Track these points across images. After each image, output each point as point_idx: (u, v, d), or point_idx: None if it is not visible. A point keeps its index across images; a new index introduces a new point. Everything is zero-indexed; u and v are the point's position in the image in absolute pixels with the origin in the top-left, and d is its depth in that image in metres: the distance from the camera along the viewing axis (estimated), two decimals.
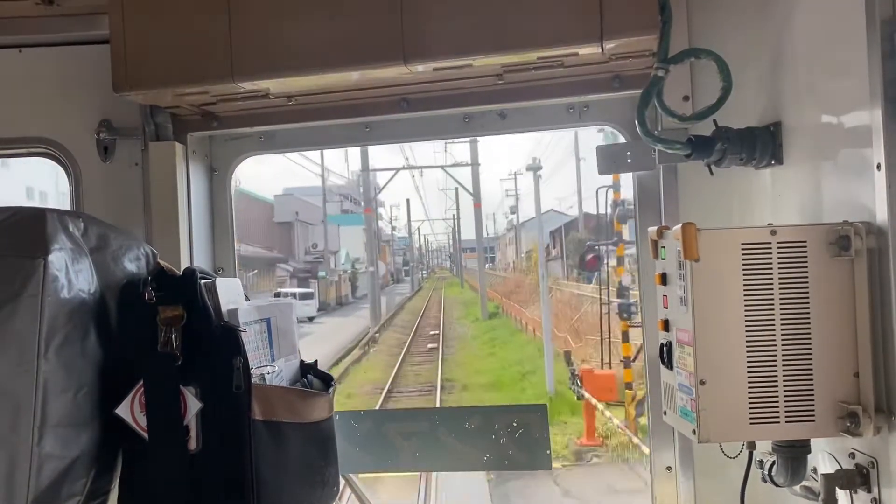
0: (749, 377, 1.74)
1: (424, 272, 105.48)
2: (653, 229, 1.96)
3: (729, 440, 1.87)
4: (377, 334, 30.31)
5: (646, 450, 1.91)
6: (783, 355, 1.73)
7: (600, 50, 2.12)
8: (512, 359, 23.25)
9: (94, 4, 2.44)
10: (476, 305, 39.97)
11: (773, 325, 1.73)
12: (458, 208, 66.34)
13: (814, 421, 1.73)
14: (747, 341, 1.74)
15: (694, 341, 1.75)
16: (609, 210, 16.14)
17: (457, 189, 64.98)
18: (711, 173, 2.13)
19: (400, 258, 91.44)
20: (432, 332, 31.55)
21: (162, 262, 2.14)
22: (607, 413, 13.15)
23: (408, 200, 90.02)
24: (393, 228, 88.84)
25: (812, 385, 1.73)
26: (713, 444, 1.83)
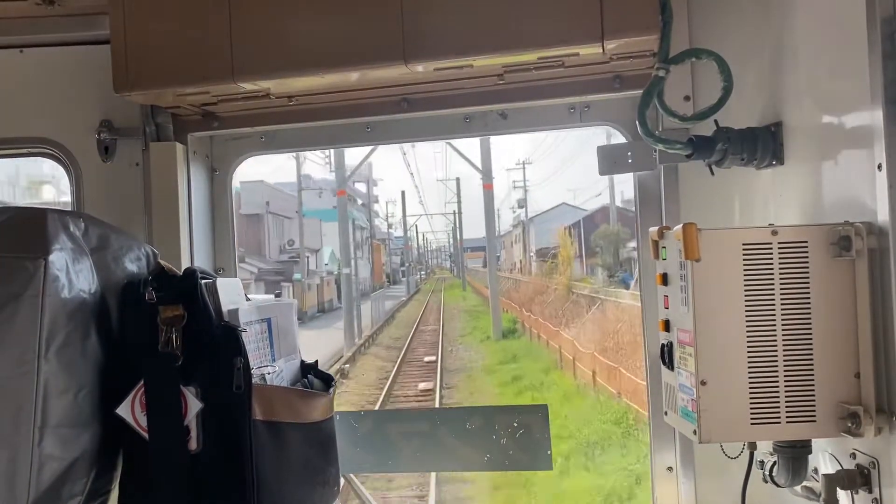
0: (750, 377, 1.73)
1: (423, 273, 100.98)
2: (654, 229, 1.96)
3: (730, 440, 1.87)
4: (347, 365, 21.26)
5: None
6: (784, 355, 1.73)
7: (601, 50, 2.11)
8: (562, 430, 12.07)
9: (94, 5, 2.44)
10: (483, 315, 30.46)
11: (774, 325, 1.73)
12: (459, 200, 60.17)
13: (815, 421, 1.73)
14: (748, 342, 1.73)
15: (695, 341, 1.75)
16: None
17: (458, 179, 59.76)
18: (712, 173, 2.13)
19: (397, 258, 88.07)
20: (427, 359, 22.79)
21: (162, 263, 2.14)
22: None
23: (403, 193, 79.04)
24: (389, 226, 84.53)
25: (813, 385, 1.73)
26: (714, 444, 1.83)
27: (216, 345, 1.95)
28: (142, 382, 1.93)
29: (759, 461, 1.89)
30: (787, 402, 1.73)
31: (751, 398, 1.73)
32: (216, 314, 1.99)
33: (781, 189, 2.08)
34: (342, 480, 2.45)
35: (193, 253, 2.63)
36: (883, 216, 1.59)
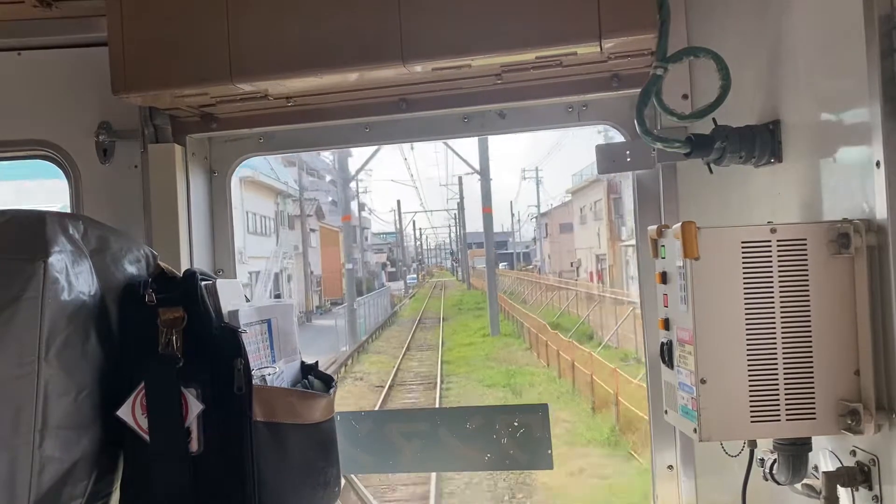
0: (750, 375, 1.73)
1: (413, 277, 75.67)
2: (652, 228, 1.96)
3: (730, 439, 1.87)
4: None
5: None
6: (784, 353, 1.73)
7: (599, 49, 2.12)
8: None
9: (92, 6, 2.44)
10: None
11: (774, 323, 1.73)
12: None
13: (815, 419, 1.73)
14: (748, 339, 1.74)
15: (694, 340, 1.75)
16: None
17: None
18: (711, 172, 2.13)
19: (383, 256, 67.92)
20: None
21: (162, 264, 2.14)
22: None
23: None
24: (361, 208, 53.15)
25: (813, 383, 1.73)
26: (714, 442, 1.83)
27: (216, 346, 1.95)
28: (142, 384, 1.93)
29: (760, 459, 1.89)
30: (786, 399, 1.73)
31: (750, 396, 1.73)
32: (216, 316, 1.99)
33: (780, 187, 2.08)
34: (343, 481, 2.46)
35: (193, 254, 2.63)
36: (881, 213, 1.59)
